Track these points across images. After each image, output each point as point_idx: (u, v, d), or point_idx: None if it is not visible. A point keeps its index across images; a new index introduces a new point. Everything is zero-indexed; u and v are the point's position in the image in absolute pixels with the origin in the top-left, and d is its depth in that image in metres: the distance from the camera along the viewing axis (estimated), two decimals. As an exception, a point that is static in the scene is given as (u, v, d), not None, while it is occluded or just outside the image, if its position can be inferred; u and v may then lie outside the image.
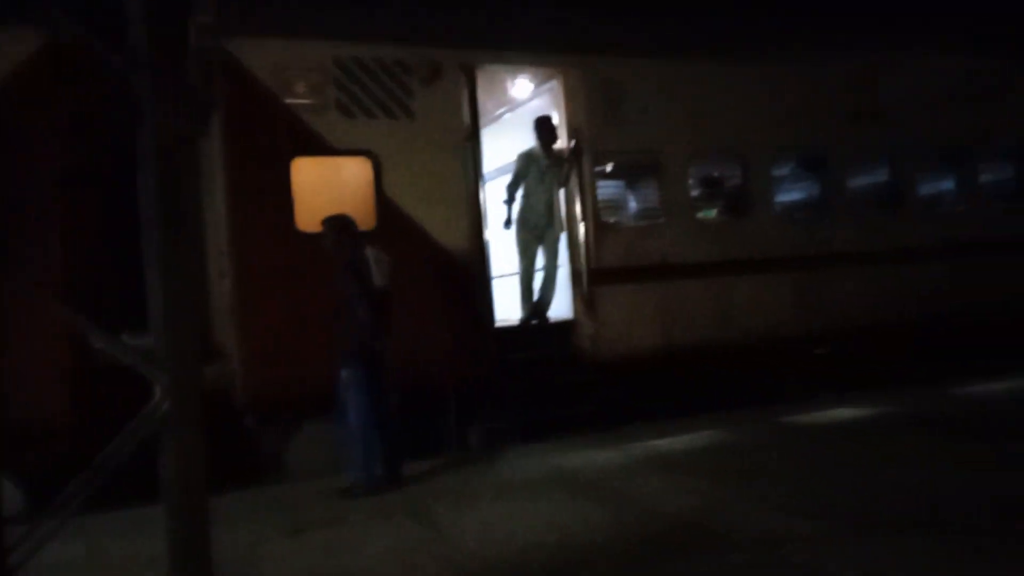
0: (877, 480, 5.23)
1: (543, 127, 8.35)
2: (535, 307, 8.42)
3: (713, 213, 9.41)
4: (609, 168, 9.06)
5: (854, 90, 9.66)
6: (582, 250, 8.21)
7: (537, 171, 8.32)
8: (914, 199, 10.03)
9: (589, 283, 8.17)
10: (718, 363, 8.57)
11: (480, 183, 7.78)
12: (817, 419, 7.56)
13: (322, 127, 7.16)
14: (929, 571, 3.66)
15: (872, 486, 5.09)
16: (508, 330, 8.25)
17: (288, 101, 7.08)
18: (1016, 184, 10.86)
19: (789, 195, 10.44)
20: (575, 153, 8.25)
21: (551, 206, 8.33)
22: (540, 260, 8.47)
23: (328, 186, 7.44)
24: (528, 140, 8.51)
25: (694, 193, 9.28)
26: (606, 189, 9.03)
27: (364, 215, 7.08)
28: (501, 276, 8.72)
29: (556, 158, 8.36)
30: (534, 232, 8.37)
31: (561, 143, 8.42)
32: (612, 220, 8.83)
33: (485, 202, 7.81)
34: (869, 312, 9.39)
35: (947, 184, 10.78)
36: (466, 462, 6.86)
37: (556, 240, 8.40)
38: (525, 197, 8.37)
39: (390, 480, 6.03)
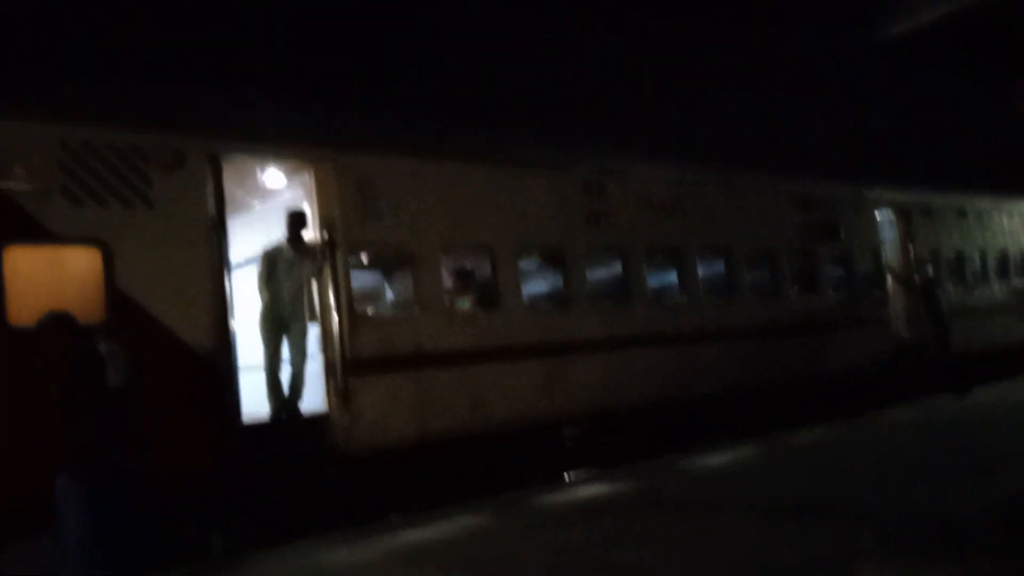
0: (616, 563, 5.54)
1: (291, 221, 8.35)
2: (284, 401, 8.16)
3: (466, 304, 9.75)
4: (363, 259, 9.14)
5: (588, 194, 10.59)
6: (336, 341, 8.12)
7: (284, 264, 8.25)
8: (642, 292, 11.06)
9: (343, 374, 8.07)
10: (472, 449, 8.74)
11: (226, 274, 7.50)
12: (565, 500, 7.90)
13: (43, 213, 6.60)
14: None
15: (613, 570, 5.38)
16: (257, 426, 7.88)
17: (3, 184, 6.47)
18: (726, 280, 12.36)
19: (534, 287, 11.10)
20: (329, 244, 8.24)
21: (297, 298, 8.24)
22: (287, 353, 8.28)
23: (49, 277, 6.82)
24: (279, 229, 8.41)
25: (447, 284, 9.59)
26: (360, 280, 9.07)
27: (92, 308, 6.56)
28: (251, 369, 8.37)
29: (305, 250, 8.31)
30: (277, 324, 8.22)
31: (314, 235, 8.40)
32: (367, 311, 8.85)
33: (231, 293, 7.53)
34: (608, 395, 10.11)
35: (670, 280, 12.02)
36: (207, 571, 6.36)
37: (302, 332, 8.28)
38: (271, 290, 8.24)
39: (116, 600, 5.43)
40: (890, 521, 5.71)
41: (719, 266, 12.36)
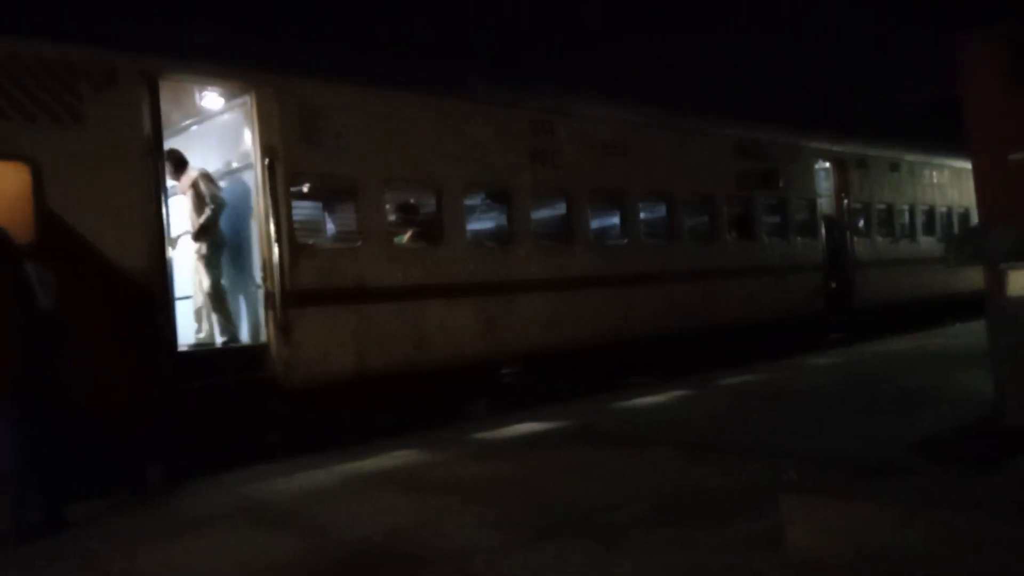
0: (549, 491, 5.70)
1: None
2: (220, 330, 8.10)
3: (409, 239, 9.66)
4: (305, 189, 8.94)
5: (536, 133, 10.50)
6: (275, 271, 7.97)
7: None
8: (584, 233, 11.12)
9: (283, 306, 7.96)
10: (412, 385, 8.79)
11: (163, 198, 7.26)
12: (502, 435, 8.05)
13: (-34, 126, 6.25)
14: (587, 571, 4.06)
15: (545, 497, 5.53)
16: (194, 354, 7.76)
17: (-78, 94, 6.10)
18: (666, 224, 12.50)
19: (478, 225, 11.05)
20: (269, 172, 8.00)
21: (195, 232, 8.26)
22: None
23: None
24: (218, 154, 8.17)
25: (391, 219, 9.47)
26: (302, 210, 8.88)
27: (20, 227, 6.25)
28: (187, 297, 8.20)
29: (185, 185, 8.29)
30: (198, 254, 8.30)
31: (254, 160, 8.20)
32: (309, 241, 8.70)
33: (168, 218, 7.31)
34: (547, 335, 10.24)
35: (612, 221, 12.11)
36: (144, 500, 6.32)
37: (210, 261, 8.29)
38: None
39: (50, 526, 5.35)
40: (812, 456, 5.99)
41: (660, 209, 12.49)
